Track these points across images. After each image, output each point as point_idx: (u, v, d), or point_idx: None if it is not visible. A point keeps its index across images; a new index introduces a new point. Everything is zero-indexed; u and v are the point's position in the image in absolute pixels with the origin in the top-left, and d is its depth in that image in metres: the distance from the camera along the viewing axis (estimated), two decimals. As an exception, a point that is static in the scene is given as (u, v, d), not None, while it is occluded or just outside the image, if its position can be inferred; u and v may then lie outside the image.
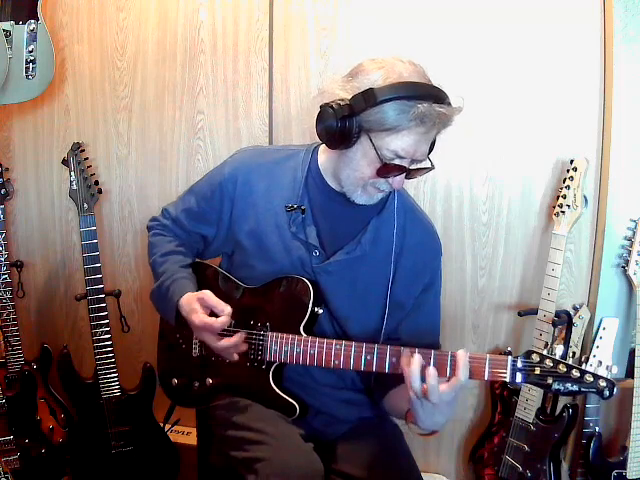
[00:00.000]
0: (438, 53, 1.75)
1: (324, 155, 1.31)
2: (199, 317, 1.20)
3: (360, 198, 1.23)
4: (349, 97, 1.13)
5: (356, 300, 1.29)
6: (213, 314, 1.22)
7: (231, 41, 1.89)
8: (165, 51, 1.93)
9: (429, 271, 1.34)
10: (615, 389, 0.98)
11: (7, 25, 1.73)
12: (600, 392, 0.99)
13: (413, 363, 1.03)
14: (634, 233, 1.70)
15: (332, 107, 1.13)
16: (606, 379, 0.98)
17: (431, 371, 1.01)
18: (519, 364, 1.01)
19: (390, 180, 1.18)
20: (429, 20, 1.76)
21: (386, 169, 1.15)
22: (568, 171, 1.68)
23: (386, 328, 1.29)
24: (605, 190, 1.72)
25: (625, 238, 1.72)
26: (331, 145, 1.20)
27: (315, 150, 1.33)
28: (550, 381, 1.00)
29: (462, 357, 1.02)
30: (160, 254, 1.38)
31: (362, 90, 1.12)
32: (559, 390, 1.00)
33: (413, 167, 1.18)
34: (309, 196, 1.29)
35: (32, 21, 1.75)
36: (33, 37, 1.75)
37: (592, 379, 0.99)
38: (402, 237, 1.29)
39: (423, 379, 1.03)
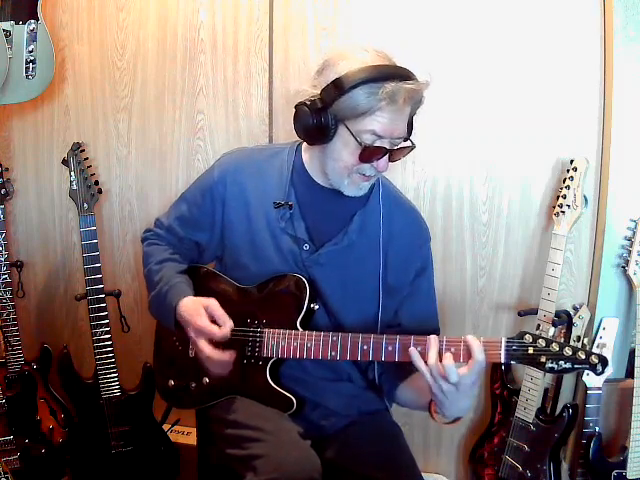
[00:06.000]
0: (439, 53, 1.75)
1: (308, 153, 1.33)
2: (203, 321, 1.22)
3: (348, 189, 1.24)
4: (319, 92, 1.17)
5: (349, 291, 1.30)
6: (214, 323, 1.22)
7: (231, 41, 1.89)
8: (165, 51, 1.93)
9: (419, 256, 1.36)
10: (608, 365, 1.00)
11: (7, 25, 1.73)
12: (593, 367, 1.00)
13: (430, 356, 1.06)
14: (634, 233, 1.70)
15: (305, 104, 1.17)
16: (598, 355, 1.00)
17: (446, 355, 1.05)
18: (513, 345, 1.04)
19: (374, 164, 1.19)
20: (429, 20, 1.76)
21: (367, 153, 1.17)
22: (568, 171, 1.68)
23: (383, 316, 1.31)
24: (605, 190, 1.72)
25: (625, 238, 1.72)
26: (311, 141, 1.23)
27: (298, 147, 1.35)
28: (544, 360, 1.02)
29: (472, 340, 1.05)
30: (155, 262, 1.39)
31: (330, 81, 1.15)
32: (553, 368, 1.02)
33: (393, 148, 1.20)
34: (296, 192, 1.31)
35: (32, 21, 1.75)
36: (33, 37, 1.75)
37: (584, 356, 1.00)
38: (388, 224, 1.31)
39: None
